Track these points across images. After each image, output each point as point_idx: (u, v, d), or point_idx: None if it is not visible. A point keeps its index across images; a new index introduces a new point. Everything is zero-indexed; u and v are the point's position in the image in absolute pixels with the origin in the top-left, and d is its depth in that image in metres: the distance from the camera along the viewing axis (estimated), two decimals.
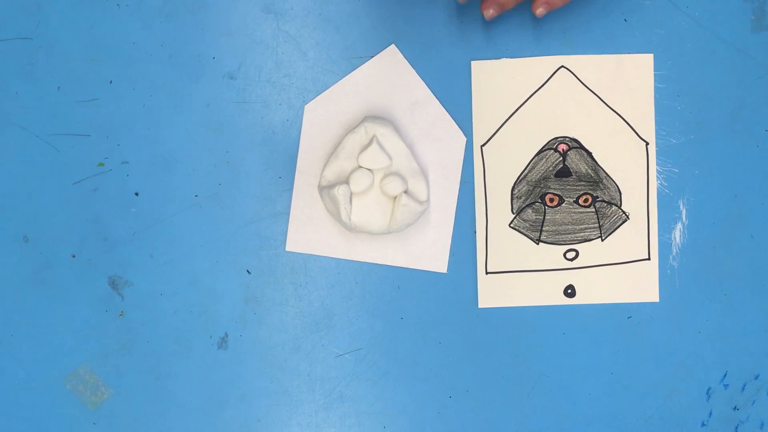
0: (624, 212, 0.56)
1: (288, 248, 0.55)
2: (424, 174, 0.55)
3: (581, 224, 0.56)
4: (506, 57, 0.55)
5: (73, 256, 0.55)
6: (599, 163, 0.55)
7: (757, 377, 0.57)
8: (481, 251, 0.56)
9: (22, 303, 0.55)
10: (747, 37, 0.55)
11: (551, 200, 0.56)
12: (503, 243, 0.56)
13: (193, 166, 0.55)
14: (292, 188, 0.55)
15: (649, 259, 0.56)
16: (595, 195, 0.56)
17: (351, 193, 0.52)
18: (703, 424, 0.57)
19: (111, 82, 0.54)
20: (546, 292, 0.56)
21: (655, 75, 0.55)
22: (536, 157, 0.55)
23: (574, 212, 0.56)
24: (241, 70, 0.54)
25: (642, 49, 0.55)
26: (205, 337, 0.56)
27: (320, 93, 0.55)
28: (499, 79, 0.55)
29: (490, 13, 0.51)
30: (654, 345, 0.56)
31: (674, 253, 0.56)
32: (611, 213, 0.56)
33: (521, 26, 0.55)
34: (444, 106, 0.55)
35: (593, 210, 0.56)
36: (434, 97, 0.55)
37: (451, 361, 0.56)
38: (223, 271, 0.55)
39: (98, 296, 0.55)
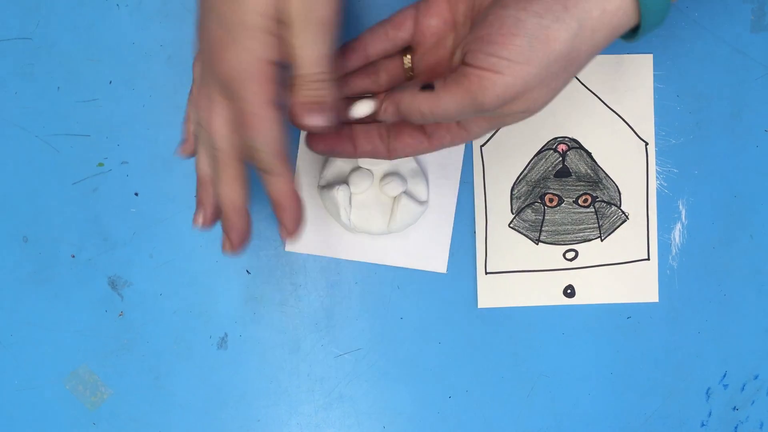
0: (623, 212, 0.56)
1: (287, 248, 0.55)
2: (424, 174, 0.55)
3: (581, 224, 0.56)
4: None
5: (73, 257, 0.55)
6: (599, 163, 0.55)
7: (756, 377, 0.57)
8: (481, 251, 0.56)
9: (22, 303, 0.55)
10: (746, 38, 0.55)
11: (551, 200, 0.56)
12: (503, 243, 0.56)
13: (193, 166, 0.55)
14: None
15: (648, 259, 0.56)
16: (594, 195, 0.56)
17: (350, 194, 0.52)
18: (702, 424, 0.57)
19: (111, 82, 0.54)
20: (545, 293, 0.56)
21: (654, 75, 0.55)
22: (536, 158, 0.55)
23: (574, 212, 0.56)
24: None
25: (641, 50, 0.55)
26: (205, 337, 0.56)
27: None
28: None
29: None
30: (653, 345, 0.56)
31: (674, 254, 0.56)
32: (611, 213, 0.56)
33: None
34: None
35: (593, 210, 0.56)
36: None
37: (450, 361, 0.56)
38: (223, 271, 0.55)
39: (98, 296, 0.55)
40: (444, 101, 0.40)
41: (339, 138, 0.47)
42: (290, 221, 0.43)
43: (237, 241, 0.44)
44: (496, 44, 0.37)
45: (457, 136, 0.43)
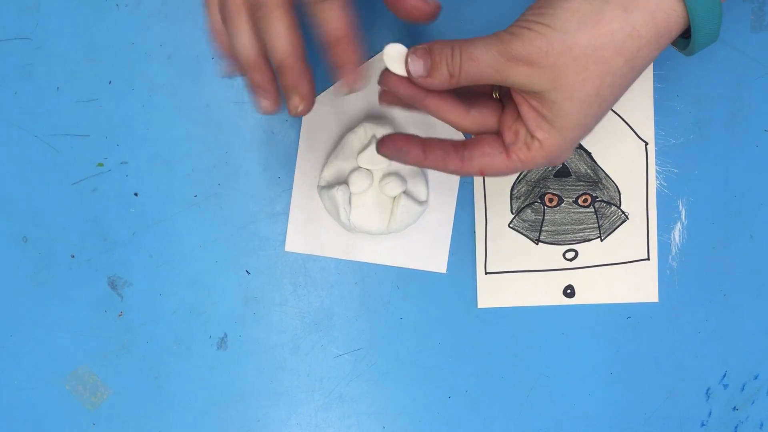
0: (623, 212, 0.56)
1: (287, 248, 0.55)
2: (424, 174, 0.54)
3: (580, 224, 0.56)
4: None
5: (73, 257, 0.55)
6: (598, 163, 0.55)
7: (756, 377, 0.57)
8: (481, 251, 0.56)
9: (22, 303, 0.55)
10: (746, 37, 0.55)
11: (550, 200, 0.56)
12: (502, 243, 0.56)
13: (193, 166, 0.55)
14: (291, 188, 0.55)
15: (648, 259, 0.56)
16: (594, 195, 0.56)
17: (350, 194, 0.52)
18: (702, 424, 0.57)
19: (110, 82, 0.54)
20: (545, 293, 0.56)
21: (654, 75, 0.55)
22: None
23: (574, 212, 0.56)
24: None
25: None
26: (205, 337, 0.56)
27: (320, 93, 0.55)
28: None
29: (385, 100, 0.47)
30: (653, 345, 0.56)
31: (673, 253, 0.56)
32: (610, 213, 0.56)
33: None
34: None
35: (592, 210, 0.56)
36: None
37: (450, 362, 0.56)
38: (223, 271, 0.55)
39: (97, 296, 0.55)
40: (477, 43, 0.41)
41: (408, 140, 0.45)
42: (349, 58, 0.41)
43: (307, 90, 0.41)
44: (532, 12, 0.40)
45: (532, 150, 0.43)
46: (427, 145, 0.45)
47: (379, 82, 0.44)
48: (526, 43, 0.40)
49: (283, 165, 0.55)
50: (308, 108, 0.41)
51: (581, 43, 0.39)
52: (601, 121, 0.55)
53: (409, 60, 0.42)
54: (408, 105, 0.46)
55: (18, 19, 0.54)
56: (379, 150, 0.45)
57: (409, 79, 0.43)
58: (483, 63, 0.41)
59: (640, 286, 0.56)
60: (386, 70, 0.43)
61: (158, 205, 0.55)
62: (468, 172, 0.44)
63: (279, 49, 0.40)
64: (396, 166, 0.53)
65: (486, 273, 0.56)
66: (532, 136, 0.42)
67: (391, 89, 0.43)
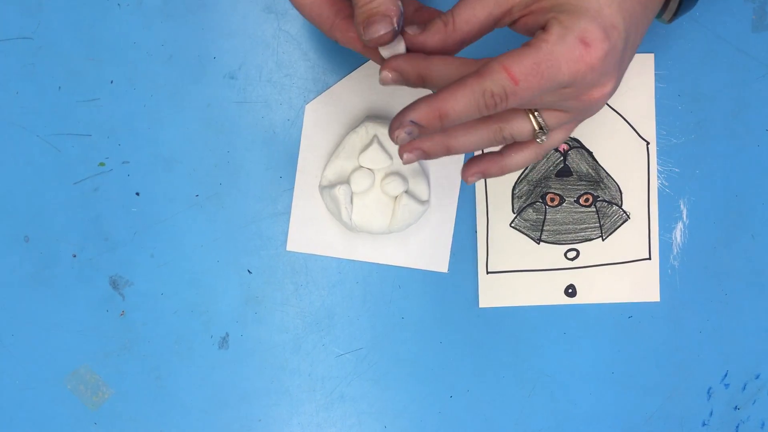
0: (625, 212, 0.56)
1: (289, 248, 0.55)
2: (425, 174, 0.55)
3: (582, 224, 0.56)
4: None
5: (74, 256, 0.55)
6: (600, 162, 0.55)
7: (757, 377, 0.57)
8: (482, 251, 0.56)
9: (23, 303, 0.55)
10: (748, 37, 0.55)
11: (552, 200, 0.56)
12: (504, 243, 0.56)
13: (194, 165, 0.55)
14: (292, 188, 0.55)
15: (649, 258, 0.56)
16: (595, 195, 0.56)
17: (352, 193, 0.52)
18: (703, 424, 0.57)
19: (112, 81, 0.54)
20: (547, 292, 0.56)
21: (655, 74, 0.55)
22: None
23: (575, 212, 0.56)
24: (242, 70, 0.54)
25: (642, 49, 0.55)
26: (206, 337, 0.56)
27: (321, 92, 0.55)
28: None
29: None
30: (655, 345, 0.56)
31: (675, 253, 0.56)
32: (612, 213, 0.56)
33: None
34: None
35: (594, 210, 0.56)
36: None
37: (451, 361, 0.56)
38: (224, 270, 0.55)
39: (99, 296, 0.55)
40: None
41: (488, 159, 0.45)
42: None
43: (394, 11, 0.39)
44: None
45: (552, 27, 0.39)
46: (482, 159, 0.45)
47: (381, 72, 0.42)
48: None
49: (284, 164, 0.55)
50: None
51: None
52: (603, 121, 0.55)
53: (405, 28, 0.41)
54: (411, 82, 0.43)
55: (20, 18, 0.54)
56: (465, 179, 0.46)
57: (407, 56, 0.41)
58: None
59: (641, 285, 0.56)
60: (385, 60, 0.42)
61: (160, 205, 0.55)
62: (489, 70, 0.39)
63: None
64: (397, 165, 0.53)
65: (487, 272, 0.56)
66: (547, 21, 0.39)
67: (394, 70, 0.42)
